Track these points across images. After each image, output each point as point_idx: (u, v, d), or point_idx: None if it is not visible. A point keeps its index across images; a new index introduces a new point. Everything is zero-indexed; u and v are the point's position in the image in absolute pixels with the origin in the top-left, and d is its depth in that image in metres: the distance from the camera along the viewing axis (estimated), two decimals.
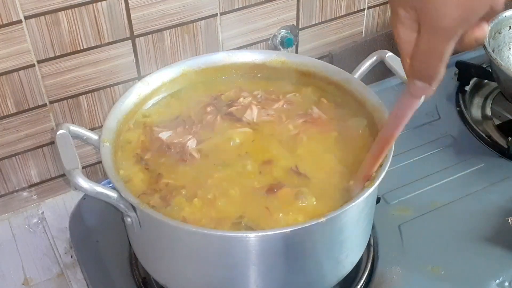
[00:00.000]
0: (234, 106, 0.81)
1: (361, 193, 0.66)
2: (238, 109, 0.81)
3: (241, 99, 0.82)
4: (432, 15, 0.50)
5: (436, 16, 0.50)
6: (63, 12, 0.87)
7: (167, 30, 0.97)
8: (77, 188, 0.65)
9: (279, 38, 1.07)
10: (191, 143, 0.76)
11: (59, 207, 1.02)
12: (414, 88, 0.57)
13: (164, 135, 0.78)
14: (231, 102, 0.82)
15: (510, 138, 0.97)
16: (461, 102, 1.08)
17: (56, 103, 0.95)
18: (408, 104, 0.62)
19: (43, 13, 0.86)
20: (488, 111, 1.08)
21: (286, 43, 1.07)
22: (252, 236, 0.64)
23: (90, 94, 0.96)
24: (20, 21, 0.85)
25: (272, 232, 0.64)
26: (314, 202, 0.69)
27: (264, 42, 1.08)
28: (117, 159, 0.74)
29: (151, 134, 0.78)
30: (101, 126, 0.76)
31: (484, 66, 1.10)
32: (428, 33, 0.52)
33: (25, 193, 1.01)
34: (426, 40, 0.52)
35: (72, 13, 0.88)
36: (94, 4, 0.88)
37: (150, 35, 0.96)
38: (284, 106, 0.82)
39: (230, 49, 1.03)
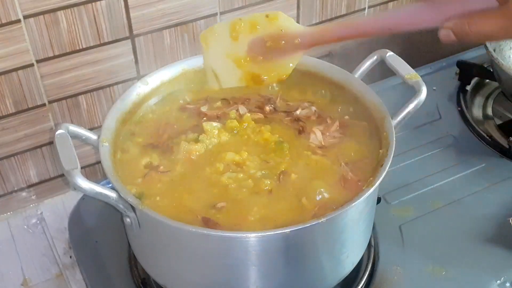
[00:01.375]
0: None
1: (362, 194, 0.66)
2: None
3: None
4: None
5: None
6: (62, 11, 0.87)
7: (167, 30, 0.96)
8: (76, 188, 0.64)
9: None
10: None
11: (58, 208, 1.02)
12: (445, 34, 0.59)
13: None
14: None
15: (511, 138, 0.97)
16: (462, 102, 1.07)
17: (55, 103, 0.94)
18: (424, 24, 0.64)
19: (42, 13, 0.86)
20: (489, 111, 1.08)
21: None
22: (252, 236, 0.64)
23: (89, 93, 0.96)
24: (19, 21, 0.85)
25: (272, 232, 0.64)
26: None
27: None
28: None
29: None
30: (100, 126, 0.76)
31: (485, 65, 1.09)
32: (502, 27, 0.54)
33: (24, 193, 1.00)
34: (496, 29, 0.54)
35: (71, 13, 0.87)
36: (93, 3, 0.88)
37: (150, 34, 0.95)
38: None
39: None
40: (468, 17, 0.57)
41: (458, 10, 0.58)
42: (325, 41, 0.71)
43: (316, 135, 0.77)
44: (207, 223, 0.67)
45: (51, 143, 0.97)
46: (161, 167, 0.74)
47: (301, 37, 0.72)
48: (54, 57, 0.90)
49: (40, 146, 0.97)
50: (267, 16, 0.75)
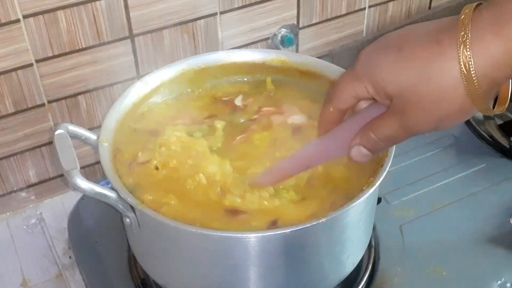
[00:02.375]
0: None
1: (362, 194, 0.66)
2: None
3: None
4: (411, 119, 0.51)
5: (415, 122, 0.51)
6: (61, 11, 0.87)
7: (167, 29, 0.96)
8: (76, 188, 0.64)
9: (279, 37, 1.07)
10: None
11: (57, 208, 1.02)
12: (357, 152, 0.57)
13: None
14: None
15: None
16: None
17: (55, 102, 0.94)
18: (335, 154, 0.61)
19: (42, 12, 0.85)
20: None
21: (286, 42, 1.06)
22: (252, 236, 0.64)
23: (88, 93, 0.96)
24: (18, 20, 0.85)
25: (272, 233, 0.64)
26: None
27: (264, 41, 1.07)
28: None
29: None
30: (99, 126, 0.76)
31: None
32: (400, 125, 0.52)
33: (23, 194, 1.00)
34: (395, 129, 0.52)
35: (71, 12, 0.87)
36: (93, 3, 0.88)
37: (149, 34, 0.95)
38: None
39: (230, 49, 1.03)
40: (368, 126, 0.54)
41: (354, 129, 0.56)
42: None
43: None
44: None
45: (50, 143, 0.97)
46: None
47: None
48: (54, 57, 0.90)
49: (40, 146, 0.97)
50: None
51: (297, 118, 0.79)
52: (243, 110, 0.82)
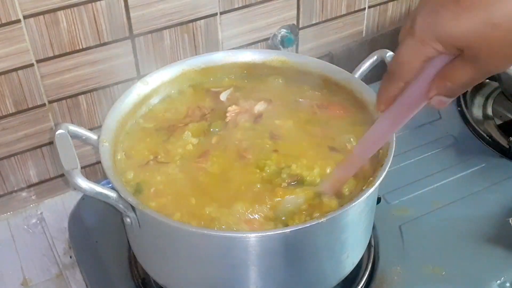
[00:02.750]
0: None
1: (362, 194, 0.66)
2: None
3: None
4: (485, 63, 0.49)
5: (490, 65, 0.50)
6: (62, 11, 0.87)
7: (167, 30, 0.96)
8: (76, 188, 0.64)
9: (279, 38, 1.07)
10: None
11: (58, 208, 1.02)
12: (437, 101, 0.55)
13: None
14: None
15: (511, 138, 0.97)
16: (462, 102, 1.07)
17: (55, 102, 0.94)
18: (406, 117, 0.60)
19: (42, 13, 0.86)
20: (489, 111, 1.08)
21: (286, 43, 1.07)
22: (252, 236, 0.64)
23: (89, 93, 0.96)
24: (19, 21, 0.85)
25: (272, 232, 0.64)
26: None
27: (264, 42, 1.07)
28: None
29: None
30: (100, 126, 0.76)
31: None
32: (475, 71, 0.50)
33: (24, 193, 1.00)
34: (471, 74, 0.51)
35: (71, 13, 0.87)
36: (93, 3, 0.88)
37: (150, 34, 0.95)
38: None
39: (230, 49, 1.03)
40: (441, 76, 0.52)
41: (425, 84, 0.54)
42: (342, 184, 0.70)
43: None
44: None
45: (51, 143, 0.97)
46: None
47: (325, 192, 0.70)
48: (54, 57, 0.90)
49: (40, 146, 0.97)
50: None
51: (259, 106, 0.81)
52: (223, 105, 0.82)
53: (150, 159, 0.74)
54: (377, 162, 0.72)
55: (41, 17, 0.86)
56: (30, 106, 0.93)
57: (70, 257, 0.96)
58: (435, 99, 0.54)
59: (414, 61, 0.52)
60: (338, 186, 0.70)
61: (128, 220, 0.69)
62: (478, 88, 1.12)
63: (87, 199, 0.92)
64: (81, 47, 0.91)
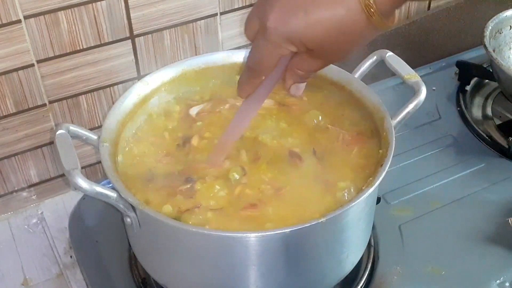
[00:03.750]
0: None
1: (362, 193, 0.66)
2: None
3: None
4: (330, 57, 0.60)
5: (334, 57, 0.60)
6: (62, 12, 0.87)
7: (167, 30, 0.96)
8: (77, 188, 0.64)
9: None
10: None
11: (58, 207, 1.02)
12: (294, 88, 0.64)
13: None
14: None
15: (510, 138, 0.97)
16: (462, 102, 1.07)
17: (56, 103, 0.94)
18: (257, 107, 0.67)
19: (43, 13, 0.86)
20: (489, 111, 1.08)
21: None
22: (252, 236, 0.64)
23: (89, 94, 0.96)
24: (19, 21, 0.85)
25: (272, 232, 0.64)
26: None
27: None
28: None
29: None
30: (100, 126, 0.76)
31: (484, 65, 1.09)
32: (321, 62, 0.60)
33: (24, 193, 1.00)
34: (318, 64, 0.61)
35: (72, 13, 0.88)
36: (93, 3, 0.88)
37: (150, 35, 0.96)
38: None
39: (230, 49, 1.03)
40: (292, 67, 0.61)
41: (278, 74, 0.62)
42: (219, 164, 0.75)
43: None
44: None
45: (51, 143, 0.97)
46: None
47: None
48: (55, 57, 0.90)
49: (41, 146, 0.97)
50: None
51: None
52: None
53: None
54: (377, 162, 0.72)
55: (41, 17, 0.86)
56: (30, 106, 0.93)
57: (71, 257, 0.96)
58: (293, 88, 0.63)
59: (271, 60, 0.60)
60: (216, 163, 0.74)
61: (128, 220, 0.69)
62: (477, 88, 1.12)
63: (87, 199, 0.92)
64: (81, 47, 0.91)
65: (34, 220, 1.01)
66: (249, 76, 0.63)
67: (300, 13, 0.55)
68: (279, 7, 0.56)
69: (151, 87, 0.81)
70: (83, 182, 0.64)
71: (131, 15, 0.92)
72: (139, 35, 0.95)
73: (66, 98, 0.95)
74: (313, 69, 0.60)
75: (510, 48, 1.09)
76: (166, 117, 0.82)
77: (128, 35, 0.94)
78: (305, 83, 0.64)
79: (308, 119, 0.81)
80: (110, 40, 0.93)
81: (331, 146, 0.77)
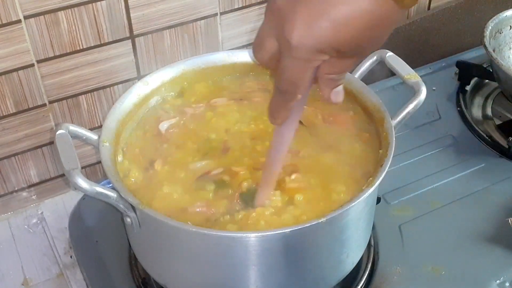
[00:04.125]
0: None
1: (362, 194, 0.66)
2: None
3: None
4: (362, 53, 0.54)
5: (365, 53, 0.54)
6: (62, 11, 0.87)
7: (167, 30, 0.97)
8: (77, 188, 0.64)
9: None
10: None
11: (58, 207, 1.02)
12: (334, 95, 0.58)
13: None
14: None
15: (510, 138, 0.97)
16: (462, 102, 1.07)
17: (56, 103, 0.94)
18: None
19: (43, 13, 0.86)
20: (489, 111, 1.08)
21: None
22: (252, 236, 0.64)
23: (89, 94, 0.96)
24: (19, 21, 0.85)
25: (272, 232, 0.64)
26: None
27: None
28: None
29: None
30: (100, 126, 0.76)
31: (484, 66, 1.09)
32: (354, 59, 0.54)
33: (24, 193, 1.00)
34: (351, 63, 0.55)
35: (72, 13, 0.88)
36: (93, 3, 0.88)
37: (150, 35, 0.96)
38: None
39: (230, 49, 1.03)
40: (325, 74, 0.55)
41: (308, 82, 0.56)
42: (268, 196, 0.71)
43: None
44: None
45: (51, 143, 0.98)
46: None
47: None
48: (55, 57, 0.90)
49: (41, 146, 0.97)
50: None
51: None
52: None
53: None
54: (377, 162, 0.72)
55: (41, 17, 0.86)
56: (30, 106, 0.93)
57: (71, 257, 0.96)
58: (332, 95, 0.57)
59: (306, 77, 0.54)
60: (267, 199, 0.70)
61: (128, 220, 0.69)
62: (477, 89, 1.12)
63: (87, 199, 0.92)
64: (81, 47, 0.91)
65: (34, 220, 1.01)
66: (284, 100, 0.57)
67: (324, 20, 0.50)
68: (300, 20, 0.50)
69: (151, 87, 0.81)
70: (83, 182, 0.64)
71: (131, 15, 0.92)
72: (139, 35, 0.95)
73: (66, 98, 0.95)
74: (347, 69, 0.55)
75: (510, 48, 1.09)
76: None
77: (128, 35, 0.94)
78: (342, 85, 0.58)
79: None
80: (110, 40, 0.93)
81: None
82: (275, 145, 0.65)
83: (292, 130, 0.63)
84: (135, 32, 0.94)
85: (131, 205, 0.67)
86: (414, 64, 0.82)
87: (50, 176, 1.01)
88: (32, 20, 0.85)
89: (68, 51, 0.91)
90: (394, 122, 0.75)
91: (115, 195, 0.66)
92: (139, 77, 0.98)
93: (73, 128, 0.72)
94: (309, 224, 0.63)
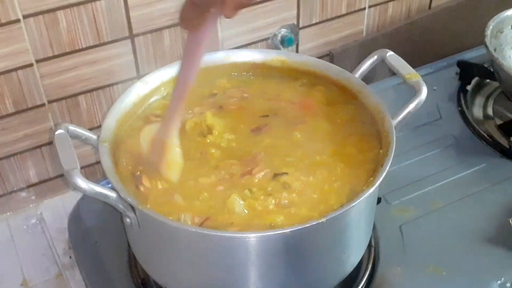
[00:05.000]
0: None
1: (362, 194, 0.66)
2: None
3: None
4: None
5: None
6: (61, 11, 0.87)
7: (166, 29, 0.96)
8: (76, 188, 0.64)
9: (279, 37, 1.07)
10: None
11: (57, 208, 1.02)
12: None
13: None
14: None
15: (511, 138, 0.96)
16: (463, 102, 1.07)
17: (55, 102, 0.94)
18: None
19: (42, 12, 0.86)
20: (490, 111, 1.08)
21: (286, 42, 1.07)
22: (252, 236, 0.64)
23: (89, 93, 0.96)
24: (18, 20, 0.85)
25: (272, 233, 0.64)
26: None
27: (264, 41, 1.07)
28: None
29: None
30: (100, 126, 0.76)
31: (485, 65, 1.09)
32: None
33: (23, 194, 1.00)
34: None
35: (71, 12, 0.87)
36: (93, 3, 0.88)
37: (149, 34, 0.95)
38: None
39: (230, 49, 1.03)
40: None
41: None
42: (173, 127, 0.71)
43: None
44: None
45: (50, 143, 0.97)
46: None
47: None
48: (54, 57, 0.90)
49: (40, 146, 0.97)
50: None
51: None
52: None
53: None
54: (377, 162, 0.72)
55: (40, 17, 0.86)
56: (29, 106, 0.93)
57: (70, 257, 0.96)
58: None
59: None
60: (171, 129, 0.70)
61: (128, 220, 0.69)
62: (478, 88, 1.12)
63: (86, 199, 0.92)
64: (80, 47, 0.91)
65: (33, 221, 1.01)
66: (199, 11, 0.61)
67: None
68: None
69: (151, 87, 0.81)
70: (82, 182, 0.64)
71: (131, 14, 0.92)
72: (138, 35, 0.95)
73: (65, 98, 0.95)
74: None
75: (511, 47, 1.08)
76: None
77: (127, 34, 0.94)
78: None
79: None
80: (110, 39, 0.93)
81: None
82: (187, 56, 0.66)
83: (204, 38, 0.64)
84: (134, 32, 0.94)
85: (130, 205, 0.67)
86: (414, 64, 0.82)
87: (49, 176, 1.01)
88: (31, 19, 0.85)
89: (67, 50, 0.90)
90: (394, 122, 0.75)
91: (114, 195, 0.66)
92: (139, 77, 0.98)
93: (72, 128, 0.71)
94: (309, 224, 0.63)
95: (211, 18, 0.63)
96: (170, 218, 0.65)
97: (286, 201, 0.69)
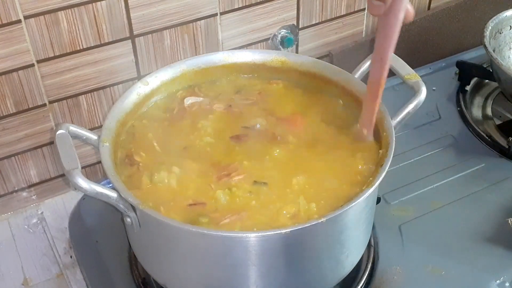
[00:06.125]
0: None
1: (362, 194, 0.66)
2: None
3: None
4: None
5: None
6: (62, 11, 0.87)
7: (167, 30, 0.96)
8: (77, 188, 0.65)
9: (279, 38, 1.07)
10: None
11: (58, 207, 1.02)
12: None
13: None
14: None
15: (510, 138, 0.97)
16: (462, 102, 1.07)
17: (56, 103, 0.94)
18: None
19: (43, 13, 0.86)
20: (489, 111, 1.08)
21: (286, 43, 1.07)
22: (252, 236, 0.64)
23: (89, 94, 0.96)
24: (19, 21, 0.85)
25: (272, 232, 0.64)
26: None
27: (264, 42, 1.07)
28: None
29: None
30: (100, 126, 0.76)
31: (484, 66, 1.09)
32: None
33: (24, 193, 1.00)
34: None
35: (72, 13, 0.88)
36: (93, 3, 0.88)
37: (150, 35, 0.96)
38: None
39: (230, 49, 1.03)
40: None
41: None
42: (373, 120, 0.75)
43: None
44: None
45: (51, 143, 0.97)
46: None
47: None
48: (55, 57, 0.90)
49: (41, 146, 0.97)
50: None
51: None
52: None
53: None
54: (377, 162, 0.72)
55: (41, 17, 0.86)
56: (30, 106, 0.93)
57: (71, 256, 0.96)
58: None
59: None
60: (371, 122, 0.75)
61: (129, 220, 0.69)
62: (477, 89, 1.12)
63: (87, 199, 0.92)
64: (81, 47, 0.91)
65: (34, 220, 1.01)
66: None
67: None
68: None
69: (151, 87, 0.82)
70: (83, 182, 0.64)
71: (131, 15, 0.92)
72: (139, 35, 0.95)
73: (66, 98, 0.95)
74: None
75: (510, 48, 1.09)
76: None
77: (128, 35, 0.94)
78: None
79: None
80: (110, 40, 0.93)
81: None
82: (380, 41, 0.70)
83: (396, 21, 0.69)
84: (135, 32, 0.94)
85: (131, 205, 0.67)
86: (414, 64, 0.82)
87: (50, 176, 1.01)
88: (32, 20, 0.85)
89: (68, 51, 0.91)
90: (394, 122, 0.75)
91: (115, 195, 0.66)
92: (139, 77, 0.98)
93: (73, 128, 0.72)
94: (308, 224, 0.63)
95: (395, 2, 0.66)
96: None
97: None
